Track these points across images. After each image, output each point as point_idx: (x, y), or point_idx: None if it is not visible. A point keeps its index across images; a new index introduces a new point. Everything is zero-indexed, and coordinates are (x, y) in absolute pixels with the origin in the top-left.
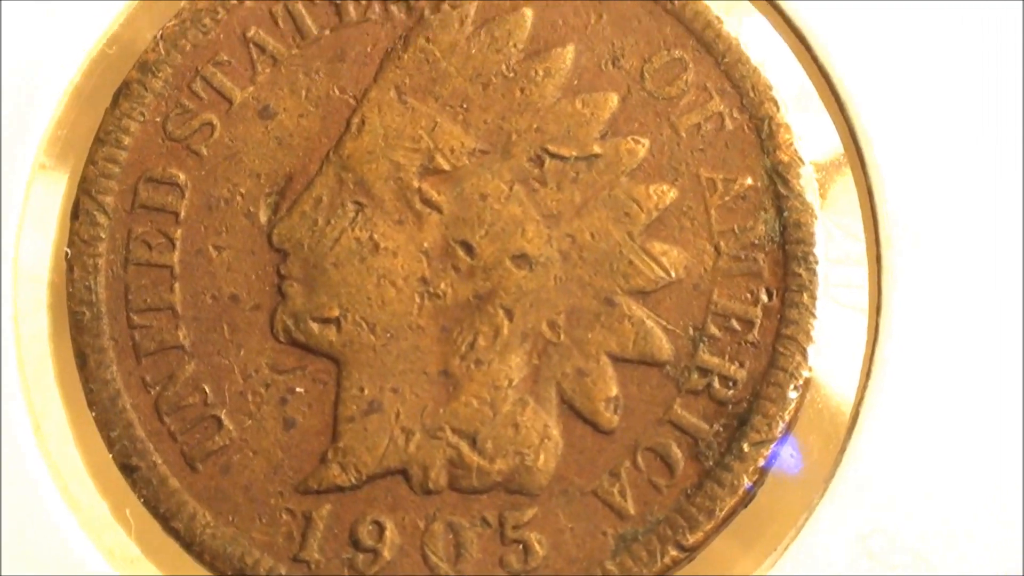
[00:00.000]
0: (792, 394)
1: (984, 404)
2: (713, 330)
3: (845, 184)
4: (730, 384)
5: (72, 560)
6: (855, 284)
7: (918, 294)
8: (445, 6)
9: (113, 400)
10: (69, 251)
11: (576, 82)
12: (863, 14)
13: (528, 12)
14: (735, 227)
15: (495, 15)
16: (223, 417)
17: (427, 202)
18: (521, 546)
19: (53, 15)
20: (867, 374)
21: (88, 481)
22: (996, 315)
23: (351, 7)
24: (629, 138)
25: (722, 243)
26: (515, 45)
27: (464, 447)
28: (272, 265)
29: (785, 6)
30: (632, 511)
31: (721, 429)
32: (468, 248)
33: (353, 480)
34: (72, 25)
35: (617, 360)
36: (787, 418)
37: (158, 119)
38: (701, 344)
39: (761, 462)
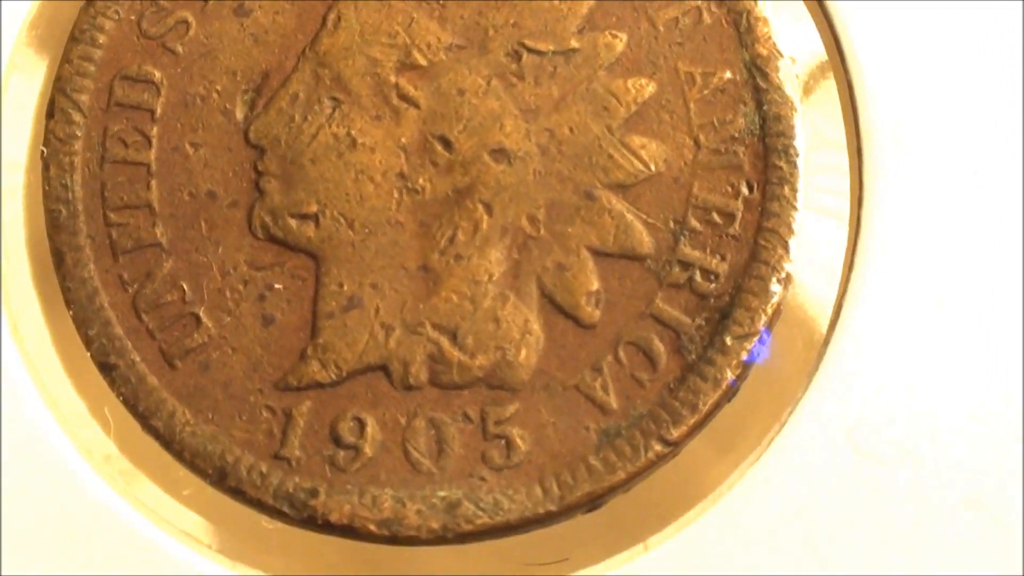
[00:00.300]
0: (775, 287)
1: (966, 296)
2: (694, 223)
3: (826, 79)
4: (712, 277)
5: (51, 458)
6: (836, 177)
7: (899, 187)
8: None
9: (91, 298)
10: (45, 150)
11: None
12: None
13: None
14: (714, 120)
15: None
16: (201, 314)
17: (404, 97)
18: (503, 441)
19: None
20: (849, 267)
21: (66, 380)
22: (977, 204)
23: None
24: (607, 32)
25: (702, 136)
26: None
27: (445, 342)
28: (249, 162)
29: None
30: (615, 406)
31: (703, 323)
32: (446, 143)
33: (333, 376)
34: None
35: (598, 254)
36: (770, 311)
37: (133, 17)
38: (682, 237)
39: (744, 356)
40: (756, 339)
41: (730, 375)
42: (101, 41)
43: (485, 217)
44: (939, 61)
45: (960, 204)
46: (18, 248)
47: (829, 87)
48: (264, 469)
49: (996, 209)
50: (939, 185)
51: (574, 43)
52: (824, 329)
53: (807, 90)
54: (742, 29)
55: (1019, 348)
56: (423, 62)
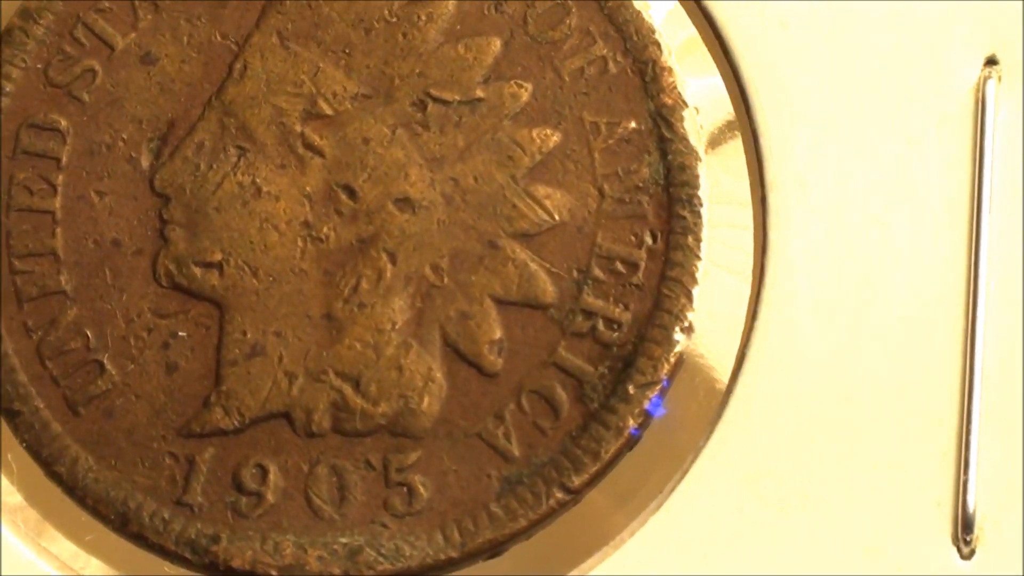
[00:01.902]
0: (677, 336)
1: (866, 347)
2: (597, 272)
3: (731, 130)
4: (615, 326)
5: None
6: (740, 227)
7: (803, 238)
8: None
9: None
10: None
11: (459, 27)
12: None
13: None
14: (619, 170)
15: None
16: (105, 361)
17: (309, 146)
18: (405, 488)
19: None
20: (753, 316)
21: None
22: (881, 256)
23: None
24: (512, 82)
25: (606, 186)
26: None
27: (348, 390)
28: (154, 210)
29: None
30: (517, 453)
31: (606, 371)
32: (351, 192)
33: (236, 423)
34: None
35: (501, 303)
36: (672, 360)
37: (39, 65)
38: (585, 287)
39: (646, 404)
40: (656, 391)
41: (632, 423)
42: (8, 89)
43: (389, 266)
44: (844, 113)
45: (863, 255)
46: None
47: (734, 137)
48: (166, 515)
49: (899, 260)
50: (842, 236)
51: (479, 93)
52: (726, 378)
53: (712, 140)
54: (647, 79)
55: (920, 396)
56: (329, 111)
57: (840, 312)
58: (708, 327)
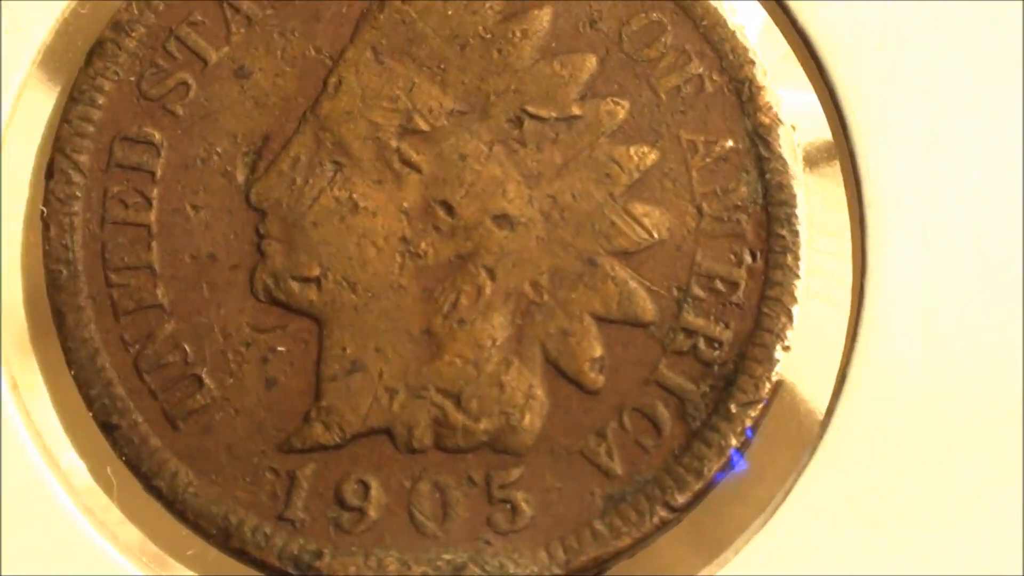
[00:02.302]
0: (778, 355)
1: (972, 364)
2: (697, 291)
3: (827, 148)
4: (716, 345)
5: (54, 519)
6: (838, 246)
7: (901, 255)
8: None
9: (92, 358)
10: (44, 210)
11: (554, 44)
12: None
13: None
14: (717, 189)
15: None
16: (204, 376)
17: (406, 162)
18: (508, 505)
19: None
20: (852, 335)
21: (67, 440)
22: (980, 276)
23: None
24: (609, 99)
25: (704, 204)
26: (491, 7)
27: (449, 406)
28: (250, 224)
29: None
30: (620, 471)
31: (708, 390)
32: (448, 208)
33: (337, 439)
34: None
35: (601, 320)
36: (773, 378)
37: (132, 79)
38: (685, 305)
39: (748, 423)
40: (758, 409)
41: (734, 441)
42: (100, 102)
43: (488, 282)
44: (941, 133)
45: (963, 274)
46: (16, 308)
47: (831, 157)
48: (268, 530)
49: (999, 281)
50: (941, 255)
51: (576, 110)
52: (827, 398)
53: (809, 159)
54: (744, 98)
55: (1020, 420)
56: (425, 127)
57: (940, 331)
58: (807, 346)
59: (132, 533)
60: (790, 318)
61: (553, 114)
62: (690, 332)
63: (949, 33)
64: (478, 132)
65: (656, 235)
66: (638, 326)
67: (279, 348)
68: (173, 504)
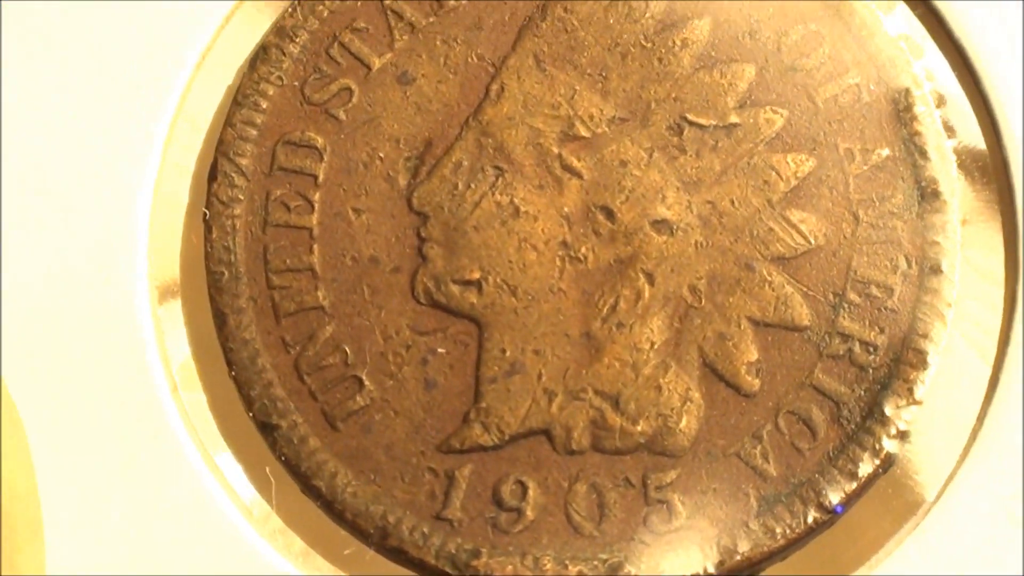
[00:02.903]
0: (932, 359)
1: None
2: (853, 296)
3: (980, 156)
4: (870, 349)
5: (213, 518)
6: (993, 251)
7: None
8: None
9: (252, 359)
10: (207, 212)
11: (713, 53)
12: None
13: None
14: (873, 196)
15: None
16: (364, 377)
17: (567, 168)
18: (664, 506)
19: None
20: (1005, 340)
21: (224, 442)
22: None
23: None
24: (767, 108)
25: (860, 212)
26: (651, 16)
27: (607, 408)
28: (412, 228)
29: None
30: (774, 473)
31: (863, 393)
32: (608, 213)
33: (496, 440)
34: None
35: (758, 325)
36: (927, 382)
37: (296, 83)
38: (841, 310)
39: (903, 425)
40: (912, 412)
41: (888, 444)
42: (264, 106)
43: (647, 287)
44: None
45: None
46: (176, 312)
47: (985, 164)
48: (426, 530)
49: None
50: None
51: (734, 118)
52: (980, 399)
53: (964, 167)
54: (900, 108)
55: None
56: (586, 133)
57: None
58: (960, 349)
59: (289, 535)
60: (944, 323)
61: (712, 122)
62: (845, 336)
63: None
64: (638, 139)
65: (813, 241)
66: (794, 330)
67: (439, 350)
68: (331, 504)
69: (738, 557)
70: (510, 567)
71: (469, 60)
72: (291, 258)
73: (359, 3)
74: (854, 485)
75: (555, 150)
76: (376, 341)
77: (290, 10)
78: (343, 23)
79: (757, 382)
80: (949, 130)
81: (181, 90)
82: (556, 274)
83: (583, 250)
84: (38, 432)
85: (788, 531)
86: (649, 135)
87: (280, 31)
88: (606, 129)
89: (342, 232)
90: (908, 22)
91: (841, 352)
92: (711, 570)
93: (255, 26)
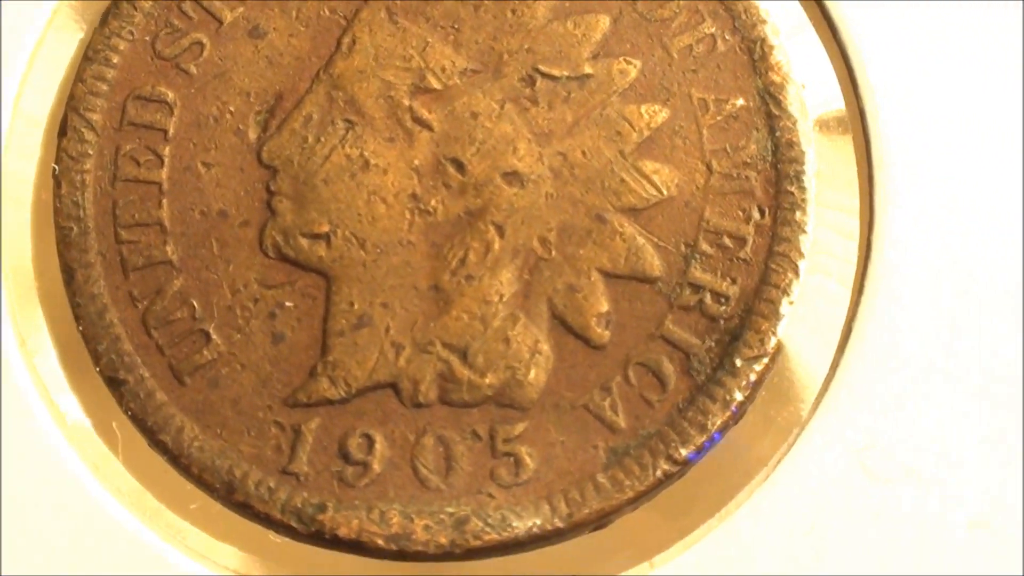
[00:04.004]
0: (784, 310)
1: (974, 322)
2: (705, 247)
3: (837, 106)
4: (722, 300)
5: (58, 472)
6: (847, 202)
7: (910, 215)
8: None
9: (100, 314)
10: (57, 167)
11: (567, 4)
12: None
13: None
14: (727, 146)
15: None
16: (211, 331)
17: (418, 120)
18: (512, 459)
19: None
20: (859, 291)
21: (73, 395)
22: (986, 235)
23: None
24: (621, 58)
25: (714, 162)
26: None
27: (455, 361)
28: (261, 182)
29: None
30: (623, 425)
31: (713, 344)
32: (459, 165)
33: (343, 393)
34: None
35: (608, 276)
36: (779, 333)
37: (147, 38)
38: (693, 261)
39: (753, 377)
40: (764, 364)
41: (739, 395)
42: (115, 61)
43: (497, 239)
44: (954, 90)
45: (971, 235)
46: (25, 264)
47: (840, 114)
48: (272, 484)
49: (1004, 241)
50: (952, 214)
51: (588, 69)
52: (831, 354)
53: (819, 120)
54: (756, 57)
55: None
56: (437, 86)
57: (945, 290)
58: (813, 302)
59: (135, 487)
60: (796, 274)
61: (565, 73)
62: (697, 287)
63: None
64: (490, 91)
65: (665, 192)
66: (645, 282)
67: (287, 304)
68: (178, 458)
69: (586, 510)
70: (356, 522)
71: (321, 13)
72: (140, 213)
73: None
74: (704, 437)
75: (406, 102)
76: (224, 295)
77: None
78: None
79: (607, 334)
80: (805, 80)
81: (32, 47)
82: (405, 227)
83: (433, 202)
84: None
85: (637, 483)
86: (501, 87)
87: None
88: (458, 81)
89: (191, 186)
90: None
91: (692, 303)
92: (559, 523)
93: None
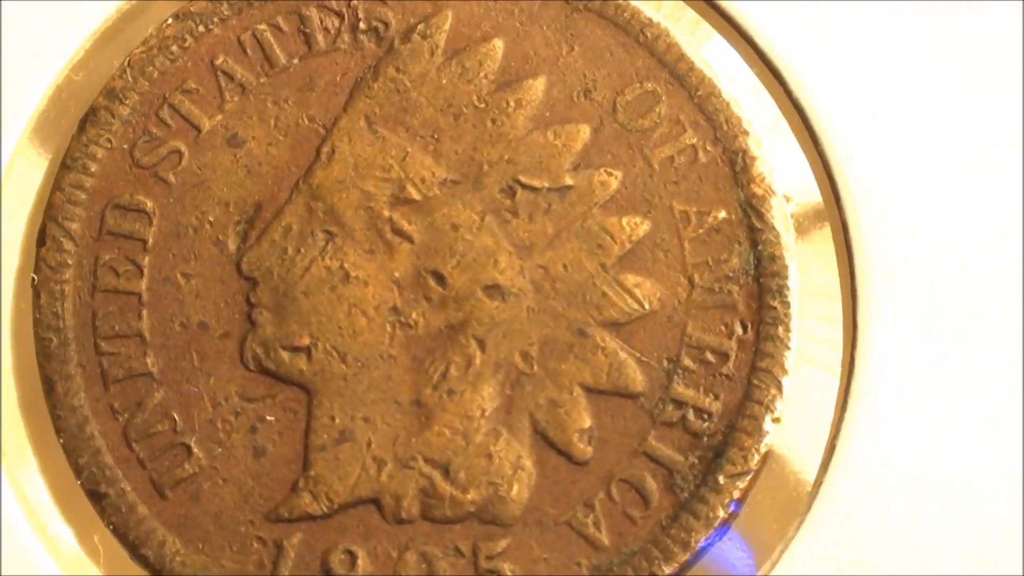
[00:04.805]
0: (768, 426)
1: (960, 439)
2: (687, 362)
3: (819, 216)
4: (705, 416)
5: None
6: (830, 317)
7: (893, 329)
8: (415, 36)
9: (81, 427)
10: (35, 277)
11: (548, 114)
12: (836, 42)
13: (499, 43)
14: (709, 260)
15: (466, 46)
16: (192, 445)
17: (398, 232)
18: None
19: (20, 40)
20: (842, 407)
21: (54, 508)
22: (971, 350)
23: (320, 36)
24: (602, 170)
25: (696, 275)
26: (486, 76)
27: (437, 477)
28: (241, 293)
29: (755, 35)
30: (607, 542)
31: (696, 461)
32: (440, 278)
33: (324, 509)
34: (38, 52)
35: (591, 391)
36: (763, 450)
37: (125, 146)
38: (675, 376)
39: (736, 493)
40: (747, 481)
41: (722, 513)
42: (93, 169)
43: (478, 353)
44: (934, 204)
45: (954, 349)
46: (6, 375)
47: (823, 226)
48: None
49: (990, 356)
50: (933, 329)
51: (569, 180)
52: (815, 470)
53: (801, 229)
54: (737, 169)
55: (1009, 495)
56: (417, 196)
57: (930, 405)
58: (797, 418)
59: None
60: (780, 390)
61: (546, 184)
62: (679, 403)
63: (944, 103)
64: (471, 202)
65: (647, 306)
66: (628, 397)
67: (268, 417)
68: (160, 573)
69: None
70: None
71: (300, 122)
72: (120, 324)
73: (189, 64)
74: (687, 554)
75: (386, 213)
76: (205, 408)
77: (120, 72)
78: (173, 84)
79: (589, 450)
80: (787, 192)
81: (10, 153)
82: (386, 340)
83: (414, 315)
84: None
85: None
86: (482, 198)
87: (110, 93)
88: (438, 192)
89: (171, 297)
90: (744, 76)
91: (675, 419)
92: None
93: (88, 89)
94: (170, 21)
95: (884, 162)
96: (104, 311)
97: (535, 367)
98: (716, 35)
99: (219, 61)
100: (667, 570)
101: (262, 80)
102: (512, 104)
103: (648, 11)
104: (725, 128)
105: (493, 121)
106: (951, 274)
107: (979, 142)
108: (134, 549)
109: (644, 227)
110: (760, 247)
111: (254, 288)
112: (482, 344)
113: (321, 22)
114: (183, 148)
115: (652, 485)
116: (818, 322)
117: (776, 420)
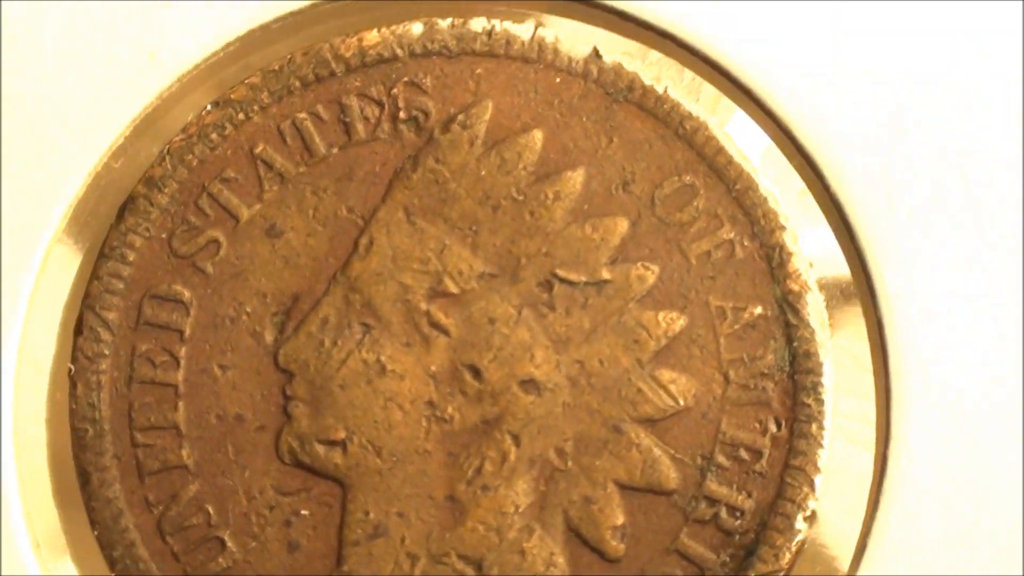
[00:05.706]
0: (800, 525)
1: (995, 536)
2: (721, 459)
3: (854, 313)
4: (737, 514)
5: None
6: (864, 414)
7: (927, 427)
8: (455, 127)
9: (116, 519)
10: (72, 367)
11: (586, 206)
12: (875, 132)
13: (538, 135)
14: (744, 356)
15: (505, 137)
16: (227, 538)
17: (435, 325)
18: None
19: (59, 127)
20: (874, 506)
21: None
22: (1006, 447)
23: (360, 126)
24: (639, 264)
25: (731, 372)
26: (525, 168)
27: (470, 573)
28: (278, 386)
29: (792, 125)
30: None
31: (728, 559)
32: (476, 372)
33: None
34: (77, 138)
35: (624, 488)
36: (794, 549)
37: (164, 235)
38: (709, 473)
39: None
40: None
41: None
42: (131, 259)
43: (513, 448)
44: (970, 296)
45: (988, 444)
46: (41, 466)
47: (858, 322)
48: None
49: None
50: (967, 426)
51: (606, 274)
52: (847, 567)
53: (836, 325)
54: (774, 264)
55: None
56: (454, 290)
57: (963, 502)
58: (830, 515)
59: None
60: (812, 488)
61: (583, 278)
62: (713, 501)
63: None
64: (508, 296)
65: (682, 402)
66: (661, 494)
67: (303, 512)
68: None
69: None
70: None
71: (339, 212)
72: (156, 415)
73: (229, 152)
74: None
75: (423, 307)
76: (240, 501)
77: (159, 160)
78: (212, 173)
79: (622, 547)
80: (823, 288)
81: (47, 242)
82: (422, 435)
83: (449, 410)
84: None
85: None
86: (519, 291)
87: (149, 182)
88: (475, 285)
89: (207, 389)
90: (777, 161)
91: (708, 517)
92: None
93: (126, 177)
94: (209, 108)
95: (921, 255)
96: (140, 402)
97: (569, 463)
98: (738, 111)
99: (259, 150)
100: None
101: (301, 169)
102: (551, 196)
103: (688, 104)
104: (762, 223)
105: (531, 214)
106: (986, 369)
107: (1010, 224)
108: None
109: (680, 323)
110: (795, 344)
111: (290, 380)
112: (517, 439)
113: (361, 111)
114: (221, 238)
115: None
116: (852, 418)
117: (808, 518)
